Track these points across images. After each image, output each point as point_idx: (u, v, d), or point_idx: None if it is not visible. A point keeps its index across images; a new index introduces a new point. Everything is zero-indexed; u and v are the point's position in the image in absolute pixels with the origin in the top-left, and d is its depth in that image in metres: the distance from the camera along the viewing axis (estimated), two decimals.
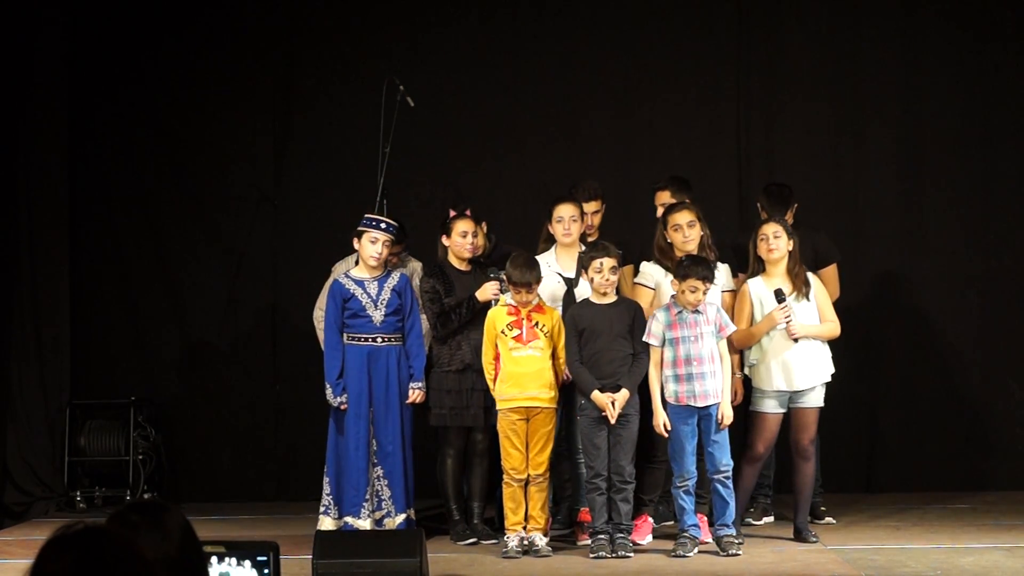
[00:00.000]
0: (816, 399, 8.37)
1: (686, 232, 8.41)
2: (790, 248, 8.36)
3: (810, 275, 8.46)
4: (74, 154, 10.54)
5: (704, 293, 8.04)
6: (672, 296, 8.16)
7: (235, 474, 10.60)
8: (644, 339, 8.09)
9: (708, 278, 8.04)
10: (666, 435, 8.06)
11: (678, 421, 8.06)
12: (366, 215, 8.49)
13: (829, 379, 8.42)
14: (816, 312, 8.38)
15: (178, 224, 10.66)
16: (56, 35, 10.40)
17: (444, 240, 8.75)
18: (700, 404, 8.05)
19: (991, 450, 10.47)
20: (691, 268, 8.03)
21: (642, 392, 8.16)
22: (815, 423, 8.39)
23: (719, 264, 8.47)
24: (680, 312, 8.07)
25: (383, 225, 8.43)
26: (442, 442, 8.71)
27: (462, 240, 8.67)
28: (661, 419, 8.04)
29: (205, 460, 10.61)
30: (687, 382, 8.05)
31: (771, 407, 8.31)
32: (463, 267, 8.72)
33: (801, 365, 8.27)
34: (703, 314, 8.07)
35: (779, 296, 8.24)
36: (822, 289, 8.49)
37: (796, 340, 8.24)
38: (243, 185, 10.67)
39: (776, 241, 8.33)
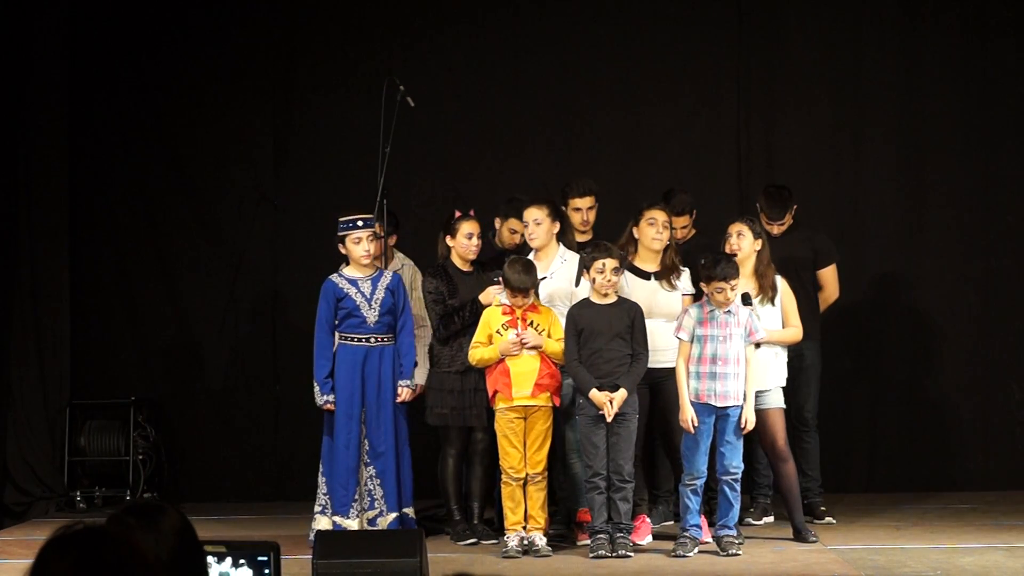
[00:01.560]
0: (775, 400, 8.36)
1: (660, 229, 8.38)
2: (757, 248, 8.32)
3: (779, 279, 8.41)
4: (74, 153, 10.53)
5: (732, 290, 7.98)
6: (705, 296, 8.13)
7: (234, 474, 10.60)
8: (674, 334, 8.08)
9: (730, 276, 7.97)
10: (692, 431, 8.04)
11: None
12: (340, 220, 8.47)
13: (784, 383, 8.40)
14: (780, 317, 8.37)
15: (178, 224, 10.66)
16: (56, 34, 10.40)
17: (448, 240, 8.74)
18: (720, 404, 8.03)
19: (991, 450, 10.47)
20: (713, 270, 7.98)
21: (671, 386, 8.16)
22: (782, 424, 8.38)
23: (683, 268, 8.46)
24: (712, 311, 8.04)
25: (360, 223, 8.41)
26: (443, 442, 8.71)
27: (467, 242, 8.67)
28: (689, 415, 8.02)
29: (205, 460, 10.61)
30: (710, 380, 8.02)
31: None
32: (466, 268, 8.72)
33: (757, 368, 8.21)
34: (735, 315, 8.04)
35: (745, 300, 8.22)
36: (789, 294, 8.45)
37: (757, 345, 8.22)
38: (243, 185, 10.67)
39: (739, 241, 8.30)
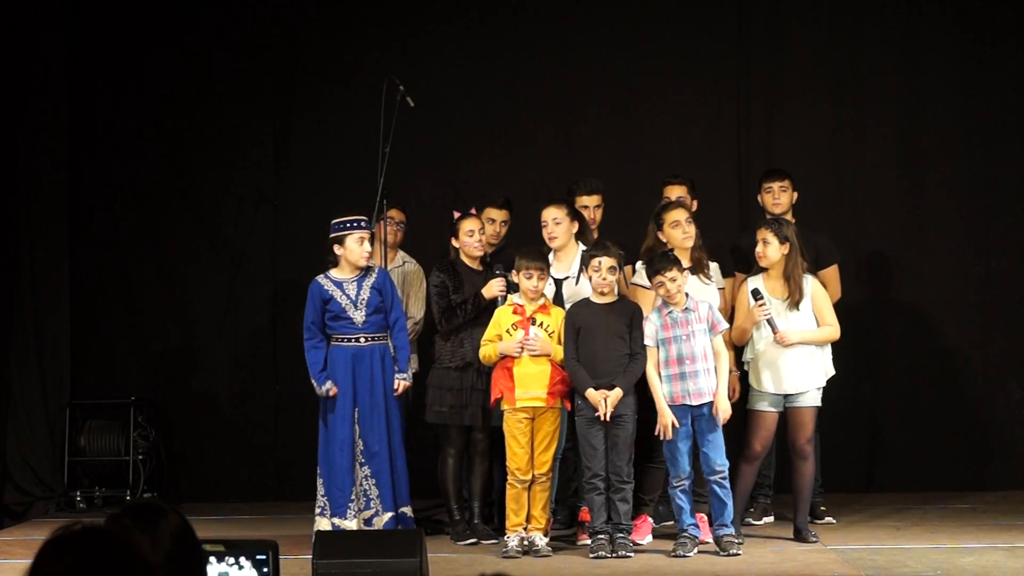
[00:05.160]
0: (811, 399, 8.35)
1: (685, 228, 8.40)
2: (784, 252, 8.31)
3: (809, 279, 8.40)
4: (74, 154, 10.54)
5: (672, 281, 7.99)
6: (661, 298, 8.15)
7: (235, 474, 10.60)
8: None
9: (663, 269, 8.00)
10: (670, 436, 8.03)
11: None
12: (338, 220, 8.42)
13: (823, 383, 8.39)
14: (812, 318, 8.35)
15: (178, 224, 10.67)
16: (56, 35, 10.40)
17: (453, 242, 8.76)
18: (694, 403, 8.04)
19: (991, 450, 10.47)
20: (649, 265, 8.10)
21: (644, 392, 8.15)
22: (811, 423, 8.37)
23: (710, 263, 8.49)
24: (671, 312, 8.07)
25: (363, 223, 8.42)
26: (443, 442, 8.71)
27: (470, 239, 8.68)
28: (668, 419, 8.01)
29: (205, 460, 10.61)
30: (680, 381, 8.04)
31: (765, 406, 8.31)
32: (475, 266, 8.72)
33: (792, 370, 8.23)
34: (695, 312, 8.06)
35: (755, 295, 8.25)
36: (822, 293, 8.43)
37: (786, 346, 8.21)
38: (243, 185, 10.67)
39: (765, 248, 8.31)
